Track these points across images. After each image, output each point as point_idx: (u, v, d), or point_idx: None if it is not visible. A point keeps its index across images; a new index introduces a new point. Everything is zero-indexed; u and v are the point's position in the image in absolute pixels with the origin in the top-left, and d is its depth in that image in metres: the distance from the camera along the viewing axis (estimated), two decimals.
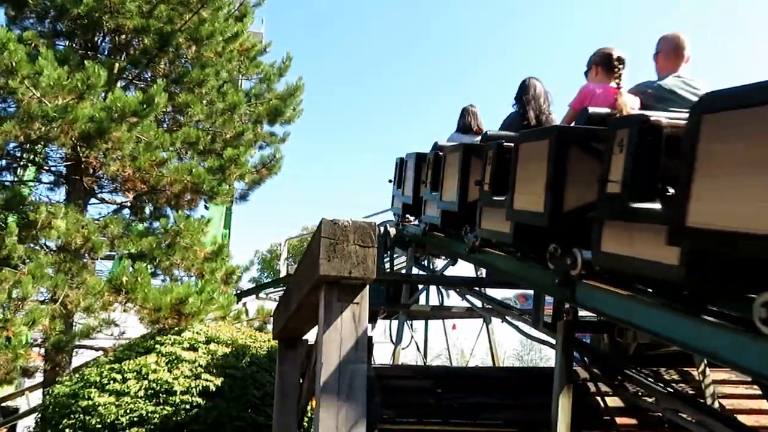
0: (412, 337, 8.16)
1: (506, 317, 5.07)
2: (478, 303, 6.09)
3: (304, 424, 6.83)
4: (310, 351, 5.99)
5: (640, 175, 2.42)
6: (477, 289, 5.51)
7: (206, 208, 10.33)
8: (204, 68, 8.93)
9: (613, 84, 3.72)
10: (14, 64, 7.38)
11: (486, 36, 71.03)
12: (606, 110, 3.48)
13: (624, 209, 2.45)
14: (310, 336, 6.07)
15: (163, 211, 9.79)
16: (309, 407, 6.40)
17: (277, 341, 6.12)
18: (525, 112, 4.88)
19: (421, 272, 7.97)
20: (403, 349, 7.49)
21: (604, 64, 3.99)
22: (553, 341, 3.87)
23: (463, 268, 13.80)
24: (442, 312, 8.02)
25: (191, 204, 9.15)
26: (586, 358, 3.85)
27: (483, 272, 7.03)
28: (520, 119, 4.87)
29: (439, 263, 8.27)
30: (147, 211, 10.10)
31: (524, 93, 4.92)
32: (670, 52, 3.64)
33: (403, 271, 8.39)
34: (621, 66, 3.81)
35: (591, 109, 3.52)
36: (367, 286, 3.39)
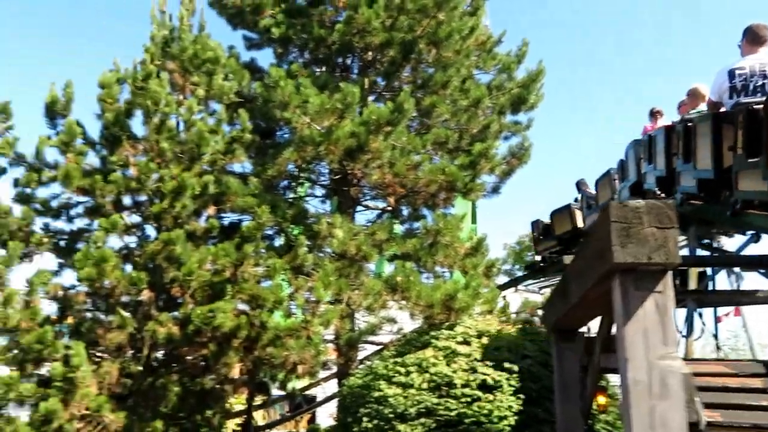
0: (703, 328, 7.21)
1: None
2: None
3: (590, 421, 6.49)
4: (589, 343, 5.67)
5: None
6: None
7: (452, 206, 10.55)
8: (446, 69, 9.16)
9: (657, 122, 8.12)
10: (287, 98, 8.41)
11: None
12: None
13: None
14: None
15: (420, 211, 10.27)
16: (594, 403, 6.06)
17: (551, 334, 5.93)
18: None
19: (705, 252, 7.06)
20: (694, 341, 6.68)
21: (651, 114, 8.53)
22: None
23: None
24: (739, 297, 6.95)
25: (446, 202, 9.43)
26: None
27: None
28: None
29: (726, 241, 7.23)
30: (405, 213, 10.70)
31: None
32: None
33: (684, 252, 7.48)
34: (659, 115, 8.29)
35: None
36: (670, 273, 3.04)
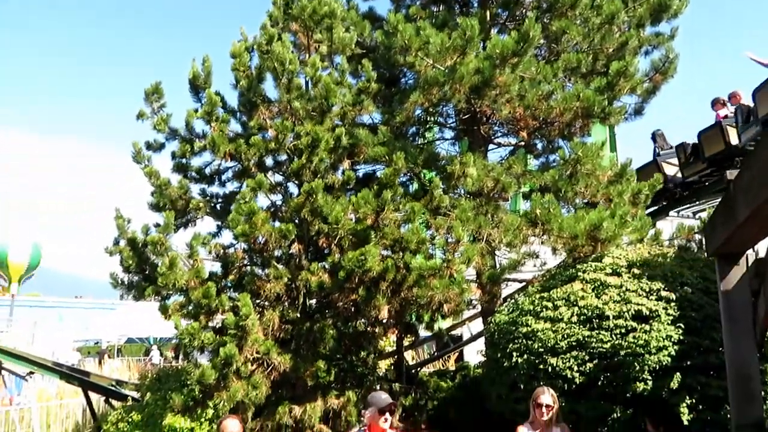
0: None
1: None
2: None
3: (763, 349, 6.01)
4: (761, 265, 5.19)
5: None
6: None
7: (589, 134, 9.97)
8: None
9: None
10: (407, 42, 8.32)
11: None
12: None
13: None
14: None
15: (555, 143, 9.84)
16: None
17: (714, 258, 5.49)
18: None
19: None
20: None
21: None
22: None
23: None
24: None
25: (583, 130, 8.93)
26: None
27: None
28: None
29: None
30: (539, 146, 10.31)
31: None
32: None
33: None
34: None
35: None
36: None
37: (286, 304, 8.33)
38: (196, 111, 9.02)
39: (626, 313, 6.26)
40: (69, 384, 11.16)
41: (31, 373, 9.40)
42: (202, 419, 7.61)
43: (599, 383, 6.13)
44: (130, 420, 7.87)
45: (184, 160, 9.33)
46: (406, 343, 11.69)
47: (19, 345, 17.22)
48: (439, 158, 8.84)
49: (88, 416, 11.59)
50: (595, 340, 6.25)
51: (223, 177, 9.55)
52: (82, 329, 32.98)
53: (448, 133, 11.02)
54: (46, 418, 11.42)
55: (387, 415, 4.43)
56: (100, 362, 23.17)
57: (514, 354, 6.72)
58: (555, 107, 8.36)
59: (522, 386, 6.51)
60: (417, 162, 8.60)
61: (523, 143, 9.77)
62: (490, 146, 10.27)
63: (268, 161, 9.07)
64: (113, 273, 8.78)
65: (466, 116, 9.56)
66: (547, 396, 4.95)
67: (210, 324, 7.90)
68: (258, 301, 8.17)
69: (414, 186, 10.31)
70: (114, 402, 10.51)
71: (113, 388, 10.65)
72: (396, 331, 9.87)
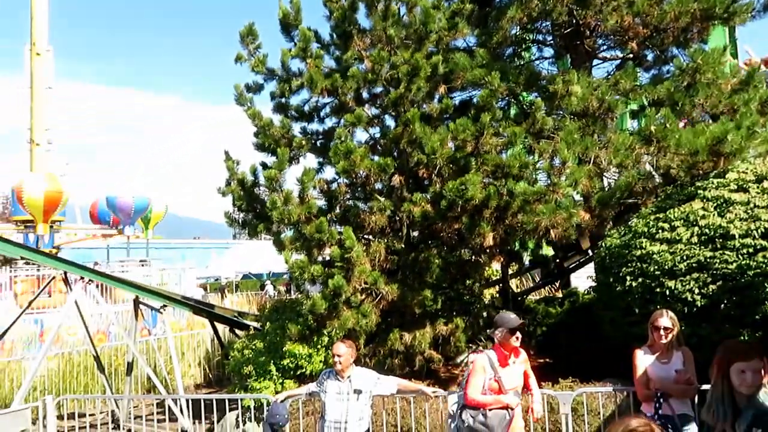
0: None
1: None
2: None
3: None
4: None
5: None
6: None
7: (705, 42, 9.02)
8: None
9: None
10: None
11: None
12: None
13: None
14: None
15: (668, 52, 9.04)
16: None
17: None
18: None
19: None
20: None
21: None
22: None
23: None
24: None
25: (701, 35, 8.11)
26: None
27: None
28: None
29: None
30: (650, 58, 9.52)
31: None
32: None
33: None
34: None
35: None
36: None
37: (391, 235, 8.47)
38: (290, 50, 9.10)
39: (755, 231, 5.79)
40: (197, 316, 12.16)
41: (164, 306, 10.30)
42: (319, 346, 8.06)
43: (723, 306, 5.79)
44: (254, 347, 8.47)
45: (283, 100, 9.52)
46: (510, 271, 11.61)
47: (169, 284, 19.08)
48: (540, 78, 8.39)
49: (216, 344, 12.65)
50: (718, 261, 5.87)
51: (322, 113, 9.67)
52: (202, 267, 35.65)
53: (548, 52, 10.42)
54: (180, 347, 12.60)
55: (518, 333, 4.72)
56: (221, 297, 25.05)
57: (628, 278, 6.47)
58: (669, 11, 7.63)
59: (637, 310, 6.29)
60: (518, 82, 8.21)
61: (631, 56, 9.05)
62: (595, 62, 9.61)
63: (365, 94, 9.05)
64: (227, 212, 9.29)
65: (568, 31, 8.95)
66: (665, 319, 4.74)
67: (318, 258, 8.21)
68: (363, 234, 8.37)
69: (513, 111, 9.94)
70: (237, 331, 11.36)
71: (236, 319, 11.48)
72: (501, 260, 9.79)
